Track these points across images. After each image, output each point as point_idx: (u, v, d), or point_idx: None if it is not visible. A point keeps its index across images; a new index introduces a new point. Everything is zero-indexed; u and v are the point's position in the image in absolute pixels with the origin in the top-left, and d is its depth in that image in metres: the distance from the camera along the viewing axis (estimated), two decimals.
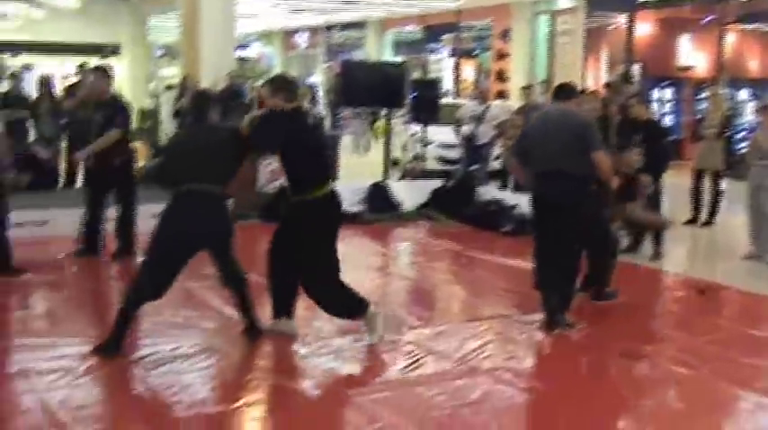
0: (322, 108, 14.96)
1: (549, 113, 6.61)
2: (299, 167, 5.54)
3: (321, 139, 6.01)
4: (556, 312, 6.27)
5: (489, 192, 11.38)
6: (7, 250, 7.76)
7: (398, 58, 24.47)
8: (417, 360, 5.57)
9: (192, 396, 4.89)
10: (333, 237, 5.76)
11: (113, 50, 21.67)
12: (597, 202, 6.56)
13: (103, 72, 8.51)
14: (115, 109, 8.28)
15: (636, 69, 18.34)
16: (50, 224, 9.46)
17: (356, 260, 9.09)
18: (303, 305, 5.97)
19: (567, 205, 6.20)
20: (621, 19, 18.81)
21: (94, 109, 8.39)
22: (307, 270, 5.66)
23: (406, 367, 5.44)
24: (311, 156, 5.59)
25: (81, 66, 12.17)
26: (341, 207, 5.87)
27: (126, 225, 8.32)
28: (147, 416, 4.63)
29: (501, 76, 20.59)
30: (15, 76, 12.34)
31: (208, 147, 5.53)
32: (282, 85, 5.71)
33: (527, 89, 12.62)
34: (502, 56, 20.83)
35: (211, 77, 15.65)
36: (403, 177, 13.42)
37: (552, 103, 6.70)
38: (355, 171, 14.32)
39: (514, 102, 16.30)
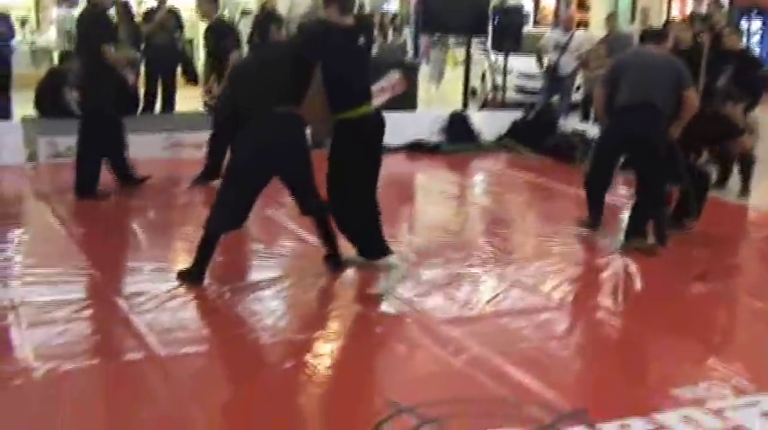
0: (406, 35, 14.63)
1: (641, 50, 6.72)
2: (332, 85, 5.23)
3: (360, 60, 5.46)
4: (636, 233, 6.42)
5: (570, 123, 11.10)
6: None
7: None
8: (501, 292, 5.49)
9: (277, 323, 4.89)
10: (364, 162, 5.41)
11: None
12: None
13: None
14: (222, 32, 8.18)
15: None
16: (132, 149, 9.51)
17: (434, 190, 9.03)
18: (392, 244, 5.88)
19: (655, 138, 6.25)
20: None
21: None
22: (337, 193, 5.42)
23: (490, 299, 5.36)
24: (345, 76, 5.27)
25: None
26: (376, 132, 5.44)
27: None
28: (233, 341, 4.64)
29: (582, 4, 19.98)
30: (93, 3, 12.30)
31: (271, 65, 5.33)
32: None
33: (611, 17, 12.18)
34: None
35: (288, 2, 15.50)
36: (482, 107, 13.18)
37: (646, 46, 6.65)
38: (433, 100, 14.18)
39: (597, 31, 15.82)
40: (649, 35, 6.73)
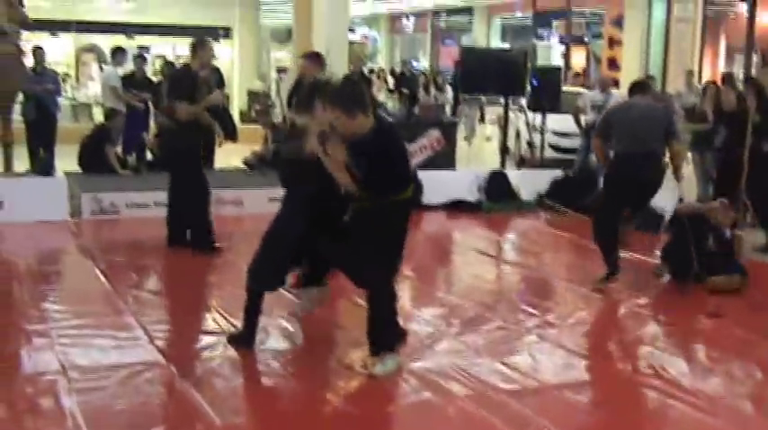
0: (448, 94, 14.70)
1: (635, 102, 7.25)
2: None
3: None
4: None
5: None
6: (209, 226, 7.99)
7: (506, 44, 24.11)
8: (561, 363, 5.36)
9: (330, 391, 4.80)
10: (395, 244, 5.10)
11: (225, 33, 21.86)
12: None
13: (313, 57, 8.32)
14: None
15: (756, 59, 17.59)
16: None
17: (475, 249, 8.94)
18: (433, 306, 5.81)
19: (658, 183, 7.02)
20: (742, 7, 18.05)
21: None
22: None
23: (550, 370, 5.22)
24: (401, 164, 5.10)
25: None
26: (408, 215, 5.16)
27: None
28: (285, 414, 4.56)
29: (613, 64, 20.03)
30: (141, 58, 12.52)
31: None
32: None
33: (650, 79, 12.14)
34: (614, 43, 20.27)
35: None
36: (519, 166, 13.16)
37: (633, 97, 7.30)
38: (468, 158, 14.19)
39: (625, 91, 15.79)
40: (636, 87, 7.41)
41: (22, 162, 10.96)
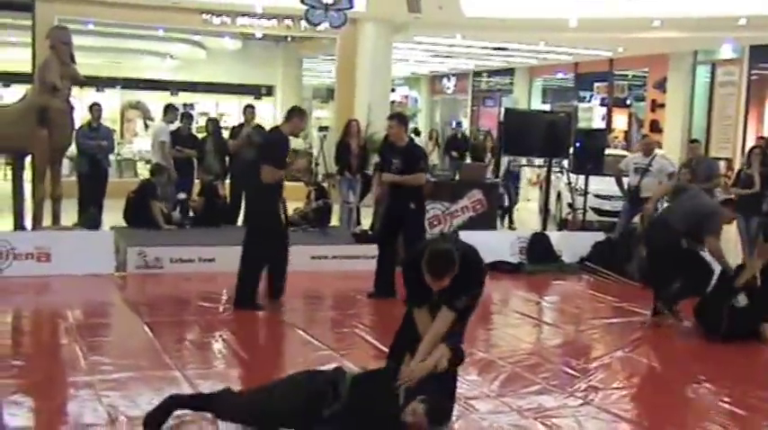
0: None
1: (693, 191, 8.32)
2: None
3: None
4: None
5: None
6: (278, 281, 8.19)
7: (547, 105, 24.20)
8: (607, 427, 5.29)
9: None
10: None
11: (268, 91, 22.23)
12: None
13: (401, 118, 8.76)
14: (414, 154, 8.50)
15: None
16: (217, 261, 9.63)
17: (516, 311, 8.88)
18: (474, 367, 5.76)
19: None
20: None
21: (392, 152, 8.58)
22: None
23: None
24: None
25: (247, 107, 12.50)
26: None
27: None
28: None
29: (655, 127, 20.00)
30: (188, 116, 12.76)
31: None
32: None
33: (694, 143, 12.17)
34: (657, 106, 20.27)
35: (365, 120, 15.86)
36: (560, 228, 13.11)
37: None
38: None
39: (672, 154, 15.79)
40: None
41: (70, 216, 11.15)
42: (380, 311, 8.21)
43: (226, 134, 12.91)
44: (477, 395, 5.69)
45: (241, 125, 12.38)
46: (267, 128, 13.30)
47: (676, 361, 6.94)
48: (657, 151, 12.40)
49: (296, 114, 8.18)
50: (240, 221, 12.07)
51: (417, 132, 23.18)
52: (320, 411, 4.58)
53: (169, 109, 12.50)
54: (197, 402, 5.00)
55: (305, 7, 14.55)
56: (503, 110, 17.87)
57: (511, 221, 13.74)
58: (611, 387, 6.10)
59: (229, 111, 21.57)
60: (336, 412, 4.59)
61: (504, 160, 13.56)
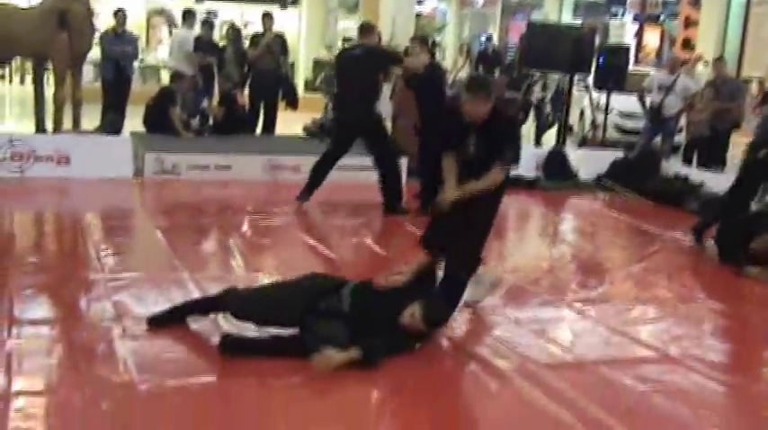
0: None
1: None
2: None
3: None
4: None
5: (673, 166, 10.88)
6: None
7: (577, 20, 23.73)
8: (600, 340, 5.38)
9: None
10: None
11: (293, 0, 21.95)
12: None
13: (422, 42, 8.97)
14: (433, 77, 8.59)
15: None
16: (234, 169, 9.74)
17: (529, 227, 8.95)
18: None
19: None
20: None
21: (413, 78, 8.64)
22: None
23: (589, 346, 5.25)
24: None
25: (265, 15, 12.40)
26: None
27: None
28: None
29: (687, 45, 19.60)
30: (208, 23, 12.69)
31: None
32: None
33: (719, 61, 11.92)
34: (690, 23, 19.82)
35: (388, 31, 15.69)
36: (581, 145, 13.04)
37: None
38: (528, 135, 14.08)
39: (700, 72, 15.53)
40: None
41: (93, 121, 11.25)
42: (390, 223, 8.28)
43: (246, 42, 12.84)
44: (481, 307, 5.77)
45: (260, 34, 12.29)
46: (287, 36, 13.35)
47: (679, 279, 6.97)
48: (683, 71, 12.21)
49: (371, 30, 8.49)
50: (259, 130, 12.18)
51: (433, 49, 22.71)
52: (317, 304, 4.71)
53: (188, 15, 12.44)
54: (203, 305, 5.12)
55: None
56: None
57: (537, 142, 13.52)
58: (610, 302, 6.19)
59: (254, 19, 21.34)
60: (332, 307, 4.71)
61: (555, 78, 13.18)
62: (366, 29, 8.49)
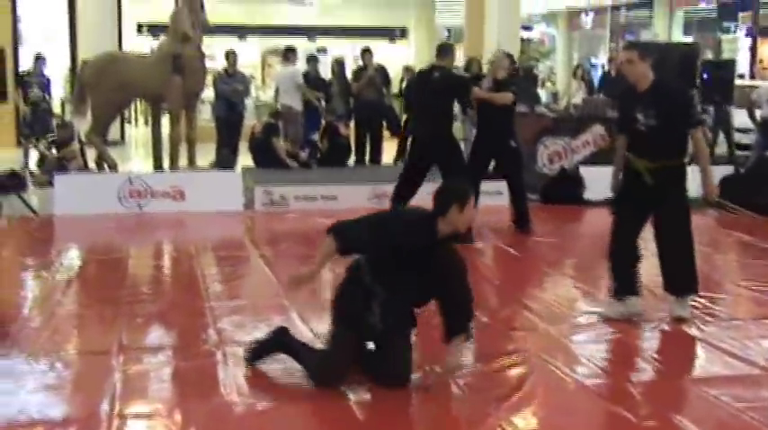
0: None
1: None
2: None
3: None
4: None
5: None
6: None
7: (689, 38, 23.28)
8: (704, 356, 5.33)
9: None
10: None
11: (401, 33, 22.35)
12: None
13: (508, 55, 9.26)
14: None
15: None
16: (340, 198, 10.01)
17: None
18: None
19: None
20: None
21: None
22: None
23: (691, 363, 5.21)
24: None
25: (364, 51, 12.73)
26: None
27: None
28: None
29: None
30: (314, 59, 13.11)
31: None
32: None
33: None
34: None
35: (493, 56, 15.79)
36: (690, 162, 12.75)
37: None
38: None
39: None
40: None
41: (207, 159, 11.77)
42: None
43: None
44: (589, 337, 5.72)
45: (363, 67, 12.62)
46: (391, 68, 13.61)
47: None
48: None
49: (448, 51, 8.58)
50: (367, 160, 12.46)
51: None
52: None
53: (289, 52, 12.84)
54: (295, 349, 4.97)
55: None
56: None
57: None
58: (720, 319, 6.08)
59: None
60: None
61: None
62: (443, 50, 8.53)
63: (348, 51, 21.89)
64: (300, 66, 13.12)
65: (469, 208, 4.47)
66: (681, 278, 5.86)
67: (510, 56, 9.07)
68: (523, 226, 8.79)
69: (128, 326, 5.63)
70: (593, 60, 25.96)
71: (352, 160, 12.41)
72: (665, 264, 5.85)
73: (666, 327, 5.84)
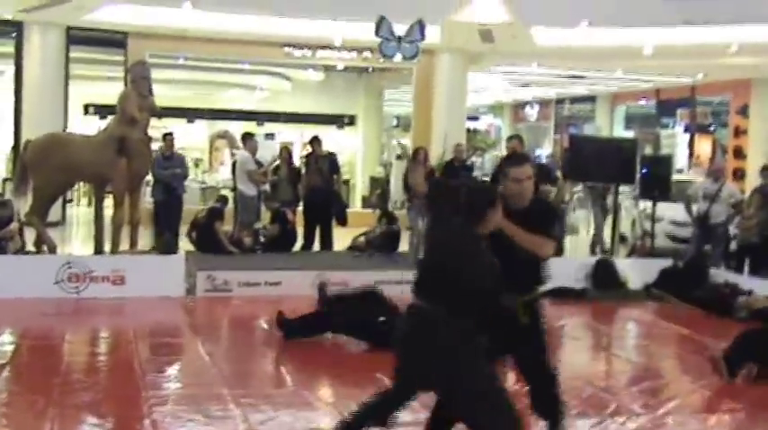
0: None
1: None
2: None
3: None
4: None
5: (722, 274, 10.78)
6: None
7: (629, 132, 23.99)
8: None
9: None
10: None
11: (350, 120, 22.66)
12: None
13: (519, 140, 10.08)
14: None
15: None
16: (284, 284, 9.97)
17: (580, 339, 8.89)
18: None
19: None
20: None
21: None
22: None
23: None
24: None
25: (313, 139, 12.85)
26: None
27: None
28: None
29: (739, 153, 19.64)
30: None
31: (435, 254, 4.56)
32: None
33: (766, 170, 11.90)
34: (740, 132, 19.90)
35: (441, 148, 16.07)
36: (630, 254, 13.02)
37: None
38: (576, 247, 14.12)
39: (752, 180, 15.50)
40: None
41: (147, 241, 11.66)
42: None
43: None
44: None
45: (311, 154, 12.73)
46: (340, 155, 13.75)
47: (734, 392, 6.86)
48: (729, 181, 12.24)
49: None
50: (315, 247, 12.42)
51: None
52: None
53: (247, 137, 12.87)
54: None
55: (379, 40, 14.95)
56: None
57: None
58: (653, 413, 6.11)
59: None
60: None
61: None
62: None
63: (296, 137, 22.14)
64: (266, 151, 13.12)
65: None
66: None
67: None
68: None
69: (60, 415, 5.48)
70: (538, 151, 26.53)
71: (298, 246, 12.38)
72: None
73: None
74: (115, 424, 5.50)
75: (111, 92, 19.38)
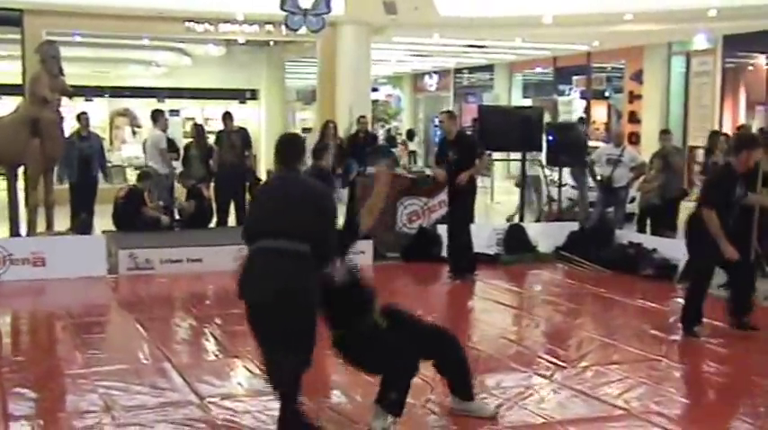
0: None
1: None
2: None
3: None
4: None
5: (627, 235, 11.36)
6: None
7: (528, 100, 24.59)
8: (565, 401, 5.71)
9: None
10: None
11: (252, 95, 22.57)
12: None
13: (451, 114, 10.55)
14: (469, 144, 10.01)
15: None
16: (205, 260, 10.05)
17: (494, 300, 9.27)
18: None
19: None
20: (761, 59, 18.41)
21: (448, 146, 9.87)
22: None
23: (553, 407, 5.57)
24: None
25: (226, 114, 12.87)
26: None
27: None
28: None
29: (633, 118, 20.43)
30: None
31: (289, 200, 4.83)
32: None
33: (665, 133, 12.56)
34: (634, 97, 20.68)
35: (347, 120, 16.28)
36: (538, 219, 13.52)
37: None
38: (486, 213, 14.57)
39: (647, 144, 16.23)
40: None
41: (63, 222, 11.52)
42: None
43: (211, 139, 13.27)
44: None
45: (223, 130, 12.76)
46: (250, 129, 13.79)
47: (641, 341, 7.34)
48: (629, 145, 12.83)
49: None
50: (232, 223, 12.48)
51: (411, 136, 23.47)
52: None
53: (158, 114, 12.80)
54: None
55: (284, 13, 14.98)
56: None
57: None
58: (575, 365, 6.52)
59: (215, 115, 21.89)
60: None
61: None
62: None
63: (198, 113, 21.95)
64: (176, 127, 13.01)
65: None
66: None
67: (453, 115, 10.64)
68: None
69: (11, 394, 5.52)
70: (437, 121, 26.92)
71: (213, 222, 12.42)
72: None
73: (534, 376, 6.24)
74: (67, 400, 5.57)
75: (8, 70, 18.97)
